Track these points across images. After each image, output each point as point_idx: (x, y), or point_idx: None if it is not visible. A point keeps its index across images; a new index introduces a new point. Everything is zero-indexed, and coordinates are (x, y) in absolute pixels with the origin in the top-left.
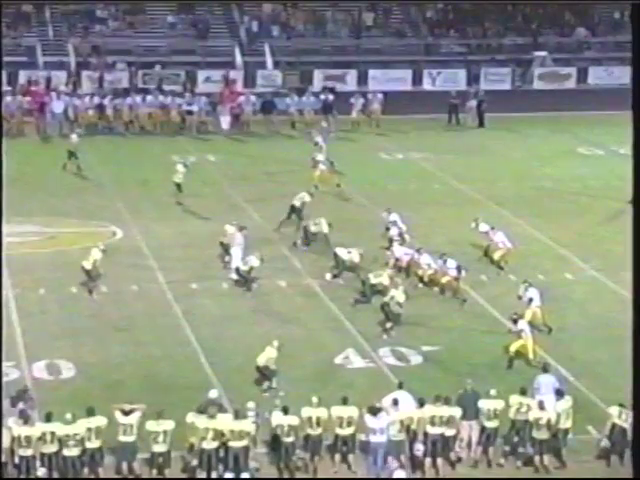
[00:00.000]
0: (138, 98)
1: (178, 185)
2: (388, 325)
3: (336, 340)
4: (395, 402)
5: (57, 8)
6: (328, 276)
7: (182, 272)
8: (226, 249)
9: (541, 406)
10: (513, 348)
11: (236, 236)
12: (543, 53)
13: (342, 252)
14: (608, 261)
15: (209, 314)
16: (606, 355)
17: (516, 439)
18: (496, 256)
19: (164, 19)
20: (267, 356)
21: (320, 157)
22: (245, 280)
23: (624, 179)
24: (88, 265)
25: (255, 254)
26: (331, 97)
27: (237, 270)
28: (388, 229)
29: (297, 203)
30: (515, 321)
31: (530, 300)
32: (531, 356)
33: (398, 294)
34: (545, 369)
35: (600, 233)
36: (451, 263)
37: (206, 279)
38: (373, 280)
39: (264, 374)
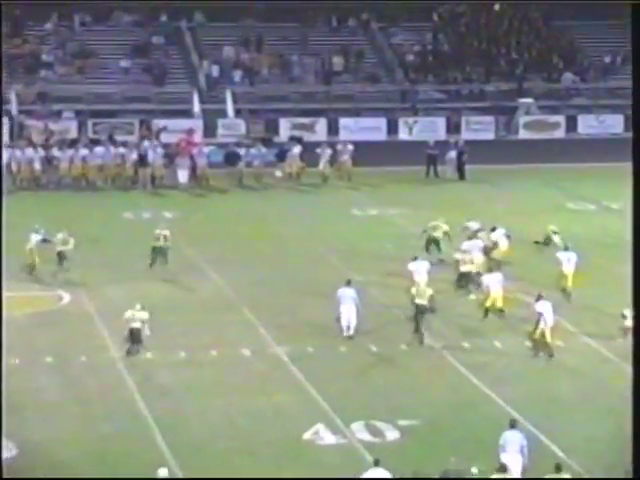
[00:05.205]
0: (87, 150)
1: None
2: None
3: (305, 414)
4: None
5: None
6: None
7: None
8: None
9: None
10: None
11: (346, 292)
12: (529, 100)
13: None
14: (601, 326)
15: (165, 386)
16: (602, 430)
17: None
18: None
19: (116, 63)
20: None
21: None
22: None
23: (618, 237)
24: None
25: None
26: (298, 148)
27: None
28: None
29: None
30: None
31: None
32: None
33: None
34: (512, 425)
35: (592, 296)
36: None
37: (163, 348)
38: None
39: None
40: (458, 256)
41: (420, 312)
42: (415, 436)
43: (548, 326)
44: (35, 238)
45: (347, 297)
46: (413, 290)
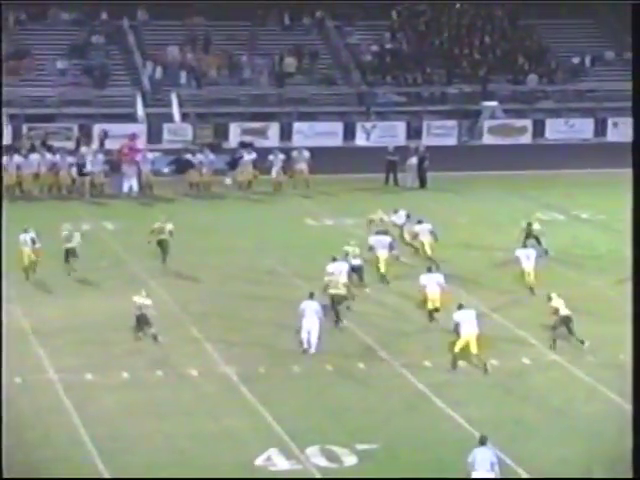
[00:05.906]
0: (21, 157)
1: None
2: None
3: (256, 438)
4: None
5: None
6: None
7: (74, 360)
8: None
9: None
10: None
11: (310, 305)
12: (493, 103)
13: None
14: (569, 342)
15: (107, 409)
16: (571, 452)
17: None
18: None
19: (53, 64)
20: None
21: None
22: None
23: (588, 247)
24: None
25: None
26: (252, 155)
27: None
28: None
29: None
30: None
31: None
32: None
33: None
34: (482, 441)
35: None
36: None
37: (103, 368)
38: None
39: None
40: (348, 248)
41: (337, 302)
42: (374, 461)
43: (464, 337)
44: (26, 237)
45: (310, 310)
46: (326, 280)
